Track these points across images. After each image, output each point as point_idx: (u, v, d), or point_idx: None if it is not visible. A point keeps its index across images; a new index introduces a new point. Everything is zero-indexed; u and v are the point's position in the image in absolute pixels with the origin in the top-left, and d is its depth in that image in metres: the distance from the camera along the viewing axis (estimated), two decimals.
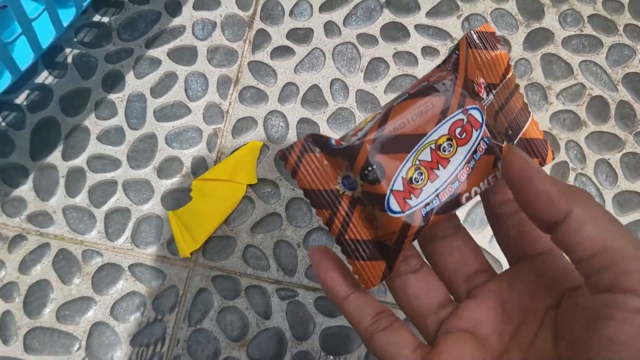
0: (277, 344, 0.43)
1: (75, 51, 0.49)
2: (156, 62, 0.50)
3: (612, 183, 0.48)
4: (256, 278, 0.45)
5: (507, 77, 0.25)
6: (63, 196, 0.46)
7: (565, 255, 0.20)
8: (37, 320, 0.43)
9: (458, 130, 0.23)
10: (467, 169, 0.24)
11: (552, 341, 0.21)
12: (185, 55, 0.50)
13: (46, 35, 0.45)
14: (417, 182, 0.23)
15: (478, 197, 0.25)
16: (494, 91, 0.25)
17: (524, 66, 0.51)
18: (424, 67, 0.51)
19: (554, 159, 0.24)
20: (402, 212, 0.23)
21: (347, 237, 0.24)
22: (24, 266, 0.44)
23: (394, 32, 0.52)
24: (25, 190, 0.46)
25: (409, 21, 0.53)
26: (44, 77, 0.48)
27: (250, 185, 0.47)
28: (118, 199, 0.46)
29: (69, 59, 0.49)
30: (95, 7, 0.50)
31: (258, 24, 0.51)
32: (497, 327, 0.23)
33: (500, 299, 0.23)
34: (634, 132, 0.49)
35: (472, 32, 0.25)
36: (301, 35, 0.51)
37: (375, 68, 0.51)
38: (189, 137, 0.48)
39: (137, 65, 0.49)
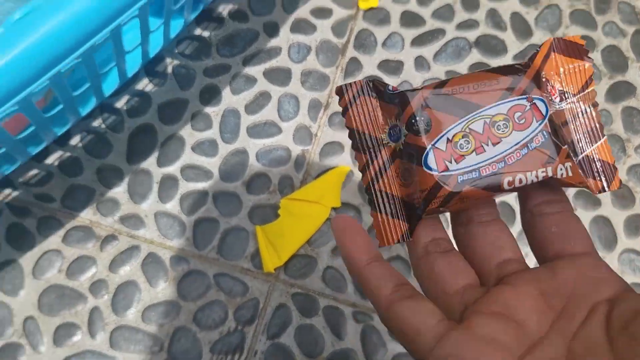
0: None
1: (176, 62, 0.51)
2: (252, 80, 0.51)
3: None
4: (334, 299, 0.47)
5: (587, 90, 0.24)
6: (155, 201, 0.48)
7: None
8: (123, 319, 0.45)
9: (517, 114, 0.23)
10: (518, 154, 0.23)
11: (605, 335, 0.20)
12: (280, 76, 0.52)
13: (154, 45, 0.47)
14: (462, 148, 0.23)
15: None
16: (568, 100, 0.24)
17: (605, 117, 0.53)
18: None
19: (620, 188, 0.24)
20: (438, 171, 0.23)
21: (377, 187, 0.24)
22: (114, 265, 0.46)
23: None
24: (120, 192, 0.48)
25: (495, 62, 0.54)
26: (145, 85, 0.50)
27: (334, 209, 0.49)
28: (207, 209, 0.48)
29: (169, 69, 0.51)
30: (197, 21, 0.52)
31: (351, 52, 0.53)
32: (536, 313, 0.21)
33: (539, 287, 0.22)
34: None
35: (560, 38, 0.24)
36: (392, 67, 0.53)
37: None
38: (278, 155, 0.50)
39: (233, 82, 0.51)
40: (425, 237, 0.24)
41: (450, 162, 0.23)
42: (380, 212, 0.24)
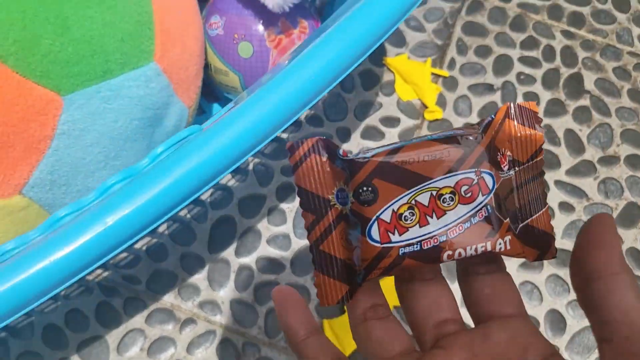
0: None
1: (256, 160, 0.56)
2: None
3: None
4: None
5: (535, 160, 0.24)
6: (232, 289, 0.52)
7: (586, 311, 0.21)
8: None
9: (464, 188, 0.24)
10: (460, 228, 0.23)
11: None
12: None
13: None
14: (407, 220, 0.23)
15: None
16: (517, 168, 0.24)
17: None
18: (560, 220, 0.56)
19: (555, 257, 0.24)
20: (380, 243, 0.23)
21: (321, 247, 0.24)
22: (191, 347, 0.50)
23: None
24: (200, 278, 0.52)
25: (550, 176, 0.58)
26: (228, 179, 0.55)
27: (395, 307, 0.52)
28: None
29: (250, 167, 0.56)
30: None
31: None
32: None
33: (472, 351, 0.22)
34: None
35: (515, 104, 0.24)
36: None
37: None
38: None
39: None
40: (365, 302, 0.24)
41: (393, 234, 0.23)
42: (323, 272, 0.24)
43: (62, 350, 0.49)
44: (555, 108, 0.61)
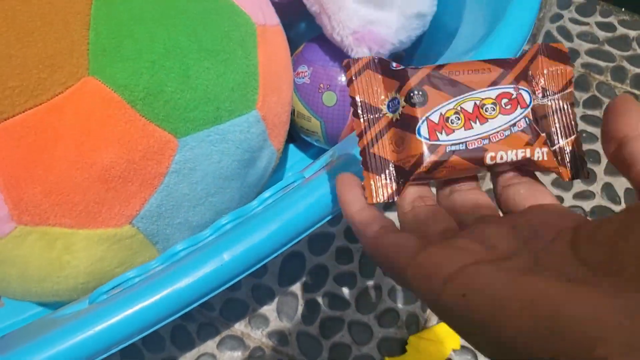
0: None
1: None
2: None
3: None
4: None
5: (566, 91, 0.27)
6: (299, 322, 0.55)
7: (624, 173, 0.22)
8: None
9: (505, 100, 0.26)
10: (502, 134, 0.25)
11: (570, 248, 0.20)
12: None
13: None
14: (453, 123, 0.26)
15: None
16: (549, 97, 0.27)
17: None
18: None
19: (587, 178, 0.27)
20: (429, 139, 0.25)
21: (372, 150, 0.26)
22: None
23: None
24: (270, 309, 0.55)
25: None
26: None
27: (453, 350, 0.54)
28: (342, 336, 0.54)
29: None
30: None
31: None
32: (507, 239, 0.22)
33: (511, 222, 0.23)
34: None
35: (546, 44, 0.27)
36: None
37: None
38: (407, 295, 0.56)
39: None
40: (412, 194, 0.26)
41: (441, 134, 0.26)
42: (372, 172, 0.26)
43: None
44: None
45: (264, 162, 0.48)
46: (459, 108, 0.26)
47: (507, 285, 0.18)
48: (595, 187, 0.62)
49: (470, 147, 0.25)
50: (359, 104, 0.26)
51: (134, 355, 0.52)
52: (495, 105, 0.26)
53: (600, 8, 0.72)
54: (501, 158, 0.26)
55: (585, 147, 0.64)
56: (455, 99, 0.26)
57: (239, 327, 0.54)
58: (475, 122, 0.26)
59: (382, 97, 0.27)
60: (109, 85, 0.37)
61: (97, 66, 0.37)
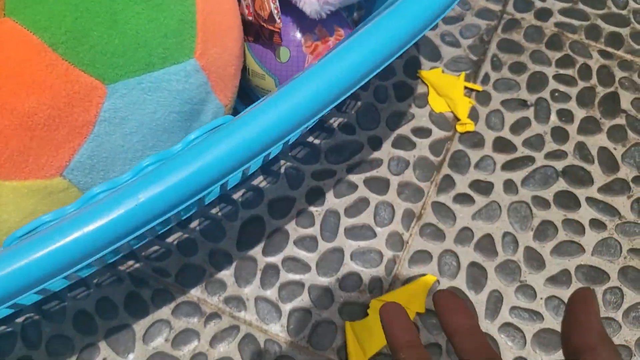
0: None
1: (288, 164, 0.58)
2: (353, 187, 0.57)
3: None
4: None
5: None
6: (257, 287, 0.53)
7: None
8: None
9: None
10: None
11: None
12: (379, 185, 0.57)
13: (273, 152, 0.54)
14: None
15: None
16: None
17: None
18: (590, 238, 0.56)
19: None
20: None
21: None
22: (214, 341, 0.51)
23: (566, 200, 0.57)
24: (227, 274, 0.53)
25: (581, 192, 0.58)
26: (259, 181, 0.57)
27: (418, 313, 0.52)
28: (302, 300, 0.52)
29: (282, 170, 0.57)
30: (311, 130, 0.59)
31: (445, 170, 0.58)
32: None
33: None
34: None
35: None
36: (482, 187, 0.58)
37: (544, 230, 0.56)
38: (371, 258, 0.54)
39: (337, 186, 0.57)
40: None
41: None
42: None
43: (91, 336, 0.51)
44: (590, 126, 0.61)
45: (209, 117, 0.46)
46: None
47: None
48: (568, 147, 0.60)
49: None
50: None
51: (86, 323, 0.51)
52: None
53: None
54: None
55: (559, 105, 0.62)
56: None
57: (195, 293, 0.53)
58: None
59: None
60: (27, 27, 0.36)
61: (14, 7, 0.36)
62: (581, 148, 0.60)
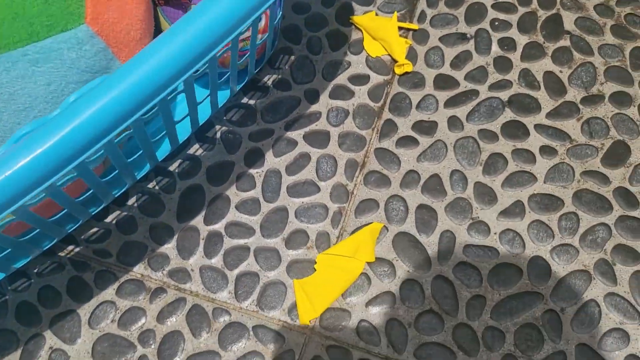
0: None
1: (224, 128, 0.56)
2: (293, 143, 0.55)
3: None
4: (367, 352, 0.48)
5: None
6: (201, 256, 0.51)
7: None
8: None
9: None
10: None
11: None
12: (319, 138, 0.55)
13: (203, 114, 0.52)
14: None
15: None
16: None
17: None
18: (542, 165, 0.53)
19: None
20: None
21: None
22: (161, 316, 0.49)
23: (514, 130, 0.55)
24: (169, 248, 0.52)
25: (529, 120, 0.55)
26: (195, 149, 0.55)
27: (368, 263, 0.50)
28: (249, 264, 0.51)
29: (218, 135, 0.55)
30: (244, 91, 0.57)
31: (386, 115, 0.56)
32: None
33: None
34: None
35: None
36: (426, 127, 0.55)
37: (494, 163, 0.54)
38: (316, 213, 0.52)
39: (276, 145, 0.55)
40: None
41: None
42: None
43: (36, 327, 0.49)
44: (533, 51, 0.59)
45: None
46: None
47: None
48: (512, 75, 0.57)
49: None
50: None
51: (29, 314, 0.50)
52: None
53: None
54: None
55: (500, 35, 0.59)
56: None
57: (138, 270, 0.51)
58: None
59: None
60: None
61: None
62: (526, 75, 0.57)
